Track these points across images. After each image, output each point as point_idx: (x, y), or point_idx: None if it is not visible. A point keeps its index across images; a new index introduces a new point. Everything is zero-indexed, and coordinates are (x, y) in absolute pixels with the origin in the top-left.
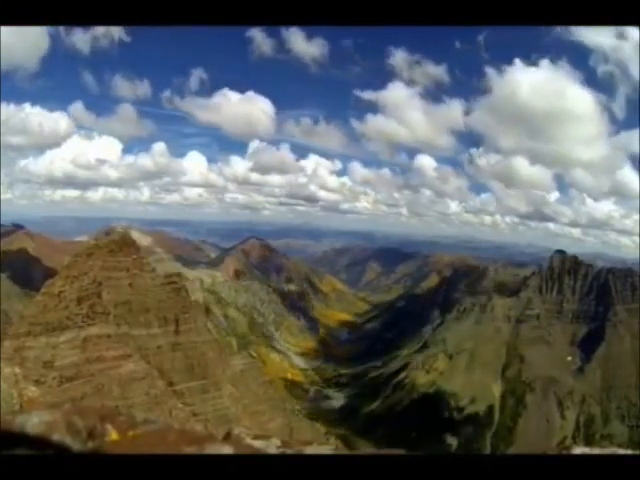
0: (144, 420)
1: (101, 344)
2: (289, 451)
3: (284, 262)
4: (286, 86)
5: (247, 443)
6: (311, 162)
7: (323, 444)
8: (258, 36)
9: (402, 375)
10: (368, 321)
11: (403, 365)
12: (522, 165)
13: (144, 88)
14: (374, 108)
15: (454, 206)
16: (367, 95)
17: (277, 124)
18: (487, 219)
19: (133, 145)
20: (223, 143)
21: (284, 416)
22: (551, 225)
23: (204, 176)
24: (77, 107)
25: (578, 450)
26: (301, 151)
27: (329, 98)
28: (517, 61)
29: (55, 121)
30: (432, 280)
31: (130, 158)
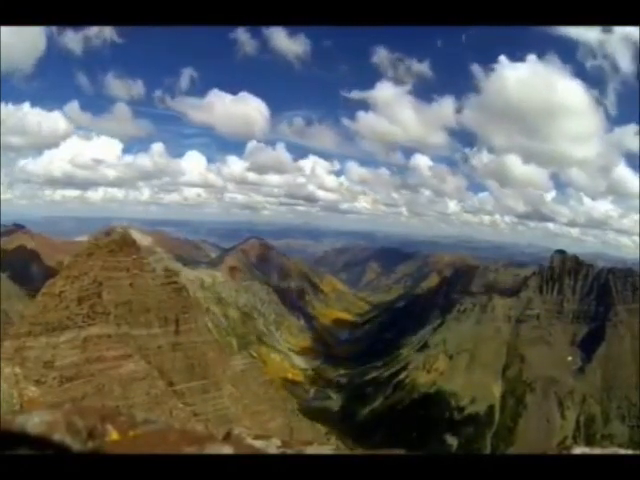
0: (144, 420)
1: (101, 344)
2: (289, 451)
3: (284, 262)
4: (276, 86)
5: (247, 443)
6: (308, 162)
7: (323, 444)
8: (244, 36)
9: (402, 375)
10: (368, 321)
11: (403, 365)
12: (516, 163)
13: (139, 88)
14: (365, 107)
15: (453, 206)
16: (358, 94)
17: (271, 124)
18: (486, 219)
19: (131, 145)
20: (220, 143)
21: (284, 416)
22: (550, 225)
23: (203, 176)
24: (74, 107)
25: (578, 450)
26: (297, 151)
27: (320, 98)
28: (506, 57)
29: (53, 121)
30: (432, 280)
31: (128, 158)
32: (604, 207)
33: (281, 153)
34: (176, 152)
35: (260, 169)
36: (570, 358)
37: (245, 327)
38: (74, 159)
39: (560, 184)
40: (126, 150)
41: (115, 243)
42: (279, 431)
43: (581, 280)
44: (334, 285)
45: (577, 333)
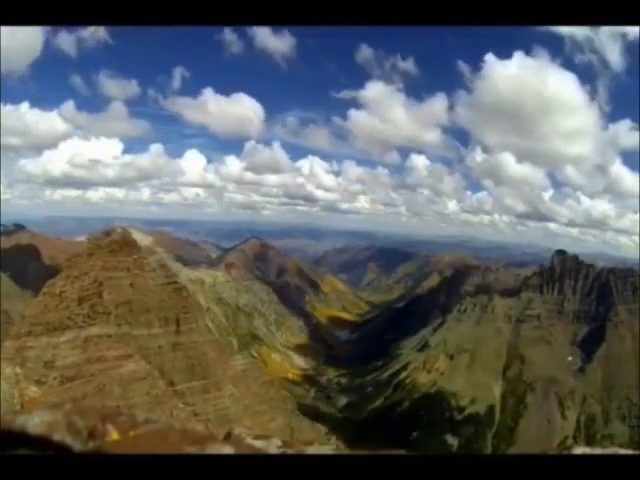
0: (145, 420)
1: (102, 344)
2: (290, 451)
3: (285, 262)
4: (268, 86)
5: (248, 443)
6: (305, 162)
7: (324, 444)
8: (232, 37)
9: (403, 375)
10: (369, 321)
11: (404, 365)
12: (510, 162)
13: (135, 88)
14: (359, 106)
15: (451, 205)
16: (351, 94)
17: (265, 124)
18: (485, 218)
19: (129, 145)
20: (217, 143)
21: (285, 416)
22: (549, 225)
23: (202, 176)
24: (71, 108)
25: (579, 450)
26: (293, 150)
27: (313, 97)
28: (498, 54)
29: (51, 122)
30: (433, 280)
31: (127, 158)
32: (602, 206)
33: (278, 153)
34: (174, 152)
35: (258, 169)
36: (570, 358)
37: (246, 327)
38: (74, 159)
39: (557, 183)
40: (124, 150)
41: (115, 243)
42: (280, 431)
43: (581, 280)
44: (334, 285)
45: (577, 333)
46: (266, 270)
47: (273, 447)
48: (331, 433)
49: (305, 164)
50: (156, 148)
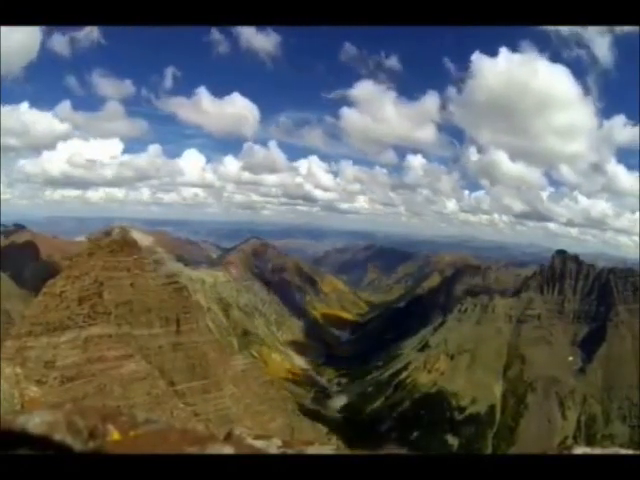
0: (145, 420)
1: (102, 344)
2: (290, 451)
3: (285, 262)
4: (260, 86)
5: (248, 443)
6: (303, 161)
7: (324, 444)
8: (220, 37)
9: (403, 375)
10: (369, 321)
11: (404, 365)
12: (504, 160)
13: (132, 88)
14: (353, 106)
15: (450, 205)
16: (344, 93)
17: (261, 124)
18: (484, 218)
19: (128, 145)
20: (215, 143)
21: (285, 416)
22: (549, 224)
23: (202, 176)
24: (69, 108)
25: (579, 450)
26: (290, 150)
27: (307, 97)
28: (487, 51)
29: (49, 122)
30: (433, 280)
31: (126, 158)
32: (600, 206)
33: (276, 153)
34: (172, 152)
35: (257, 169)
36: (571, 358)
37: (246, 327)
38: (73, 159)
39: (554, 182)
40: (122, 150)
41: (116, 243)
42: (280, 431)
43: (582, 280)
44: (335, 285)
45: (578, 333)
46: (266, 270)
47: (273, 447)
48: (331, 433)
49: (303, 164)
50: (154, 148)
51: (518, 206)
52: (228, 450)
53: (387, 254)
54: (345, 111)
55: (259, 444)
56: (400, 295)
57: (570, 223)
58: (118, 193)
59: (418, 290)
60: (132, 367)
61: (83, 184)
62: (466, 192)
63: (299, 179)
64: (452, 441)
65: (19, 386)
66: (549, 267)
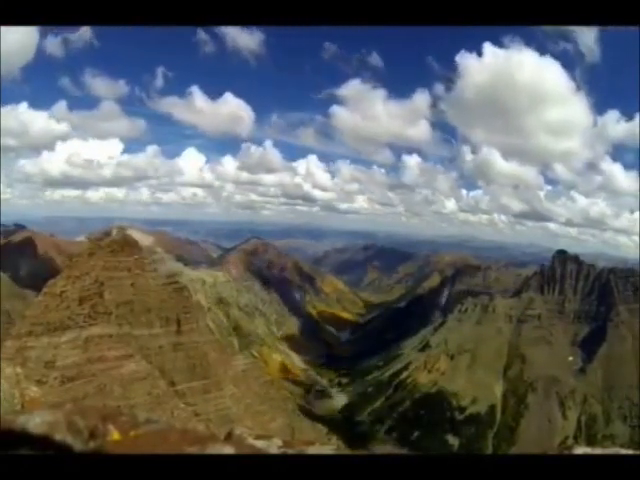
0: (146, 420)
1: (103, 344)
2: (290, 451)
3: (285, 262)
4: (253, 87)
5: (249, 443)
6: (301, 161)
7: (325, 444)
8: (210, 37)
9: (404, 375)
10: (370, 321)
11: (405, 365)
12: (497, 159)
13: (129, 89)
14: (347, 106)
15: (449, 204)
16: (337, 92)
17: (257, 124)
18: (484, 218)
19: (126, 145)
20: (213, 143)
21: (286, 416)
22: (548, 224)
23: (201, 176)
24: (67, 109)
25: (580, 450)
26: (287, 150)
27: (300, 97)
28: (478, 49)
29: (47, 122)
30: (434, 280)
31: (124, 158)
32: (599, 205)
33: (273, 153)
34: (171, 152)
35: (255, 169)
36: (571, 358)
37: (246, 327)
38: (72, 160)
39: (550, 181)
40: (121, 150)
41: (116, 243)
42: (280, 431)
43: (582, 280)
44: (335, 285)
45: (578, 333)
46: (266, 270)
47: (274, 447)
48: (332, 433)
49: (300, 164)
50: (152, 148)
51: (516, 205)
52: (228, 450)
53: (387, 254)
54: (337, 110)
55: (259, 444)
56: (400, 295)
57: (569, 223)
58: (118, 193)
59: (418, 290)
60: (132, 367)
61: (83, 184)
62: (464, 191)
63: (297, 179)
64: (452, 441)
65: (19, 386)
66: (549, 267)
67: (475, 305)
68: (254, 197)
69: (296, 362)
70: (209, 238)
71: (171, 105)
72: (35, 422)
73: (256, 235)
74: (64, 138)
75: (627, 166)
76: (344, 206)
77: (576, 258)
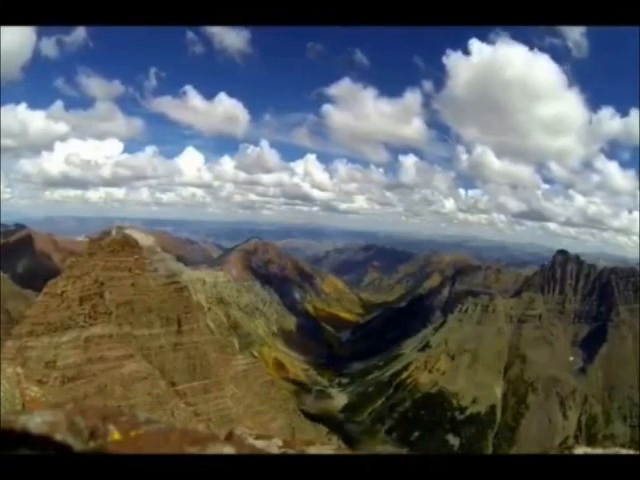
0: (146, 420)
1: (103, 344)
2: (291, 451)
3: (286, 262)
4: (246, 87)
5: (249, 443)
6: (298, 161)
7: (325, 444)
8: (212, 36)
9: (404, 375)
10: (370, 321)
11: (405, 365)
12: (491, 158)
13: (126, 89)
14: (341, 106)
15: (448, 204)
16: (329, 92)
17: (253, 124)
18: (483, 217)
19: (125, 145)
20: (212, 143)
21: (286, 416)
22: (547, 224)
23: (200, 176)
24: (66, 109)
25: (580, 450)
26: (284, 150)
27: (289, 97)
28: (467, 46)
29: (46, 123)
30: (434, 280)
31: (123, 158)
32: (597, 205)
33: (271, 153)
34: (170, 152)
35: (254, 169)
36: (572, 358)
37: (247, 327)
38: (72, 160)
39: (547, 180)
40: (119, 150)
41: (117, 243)
42: (281, 431)
43: (583, 280)
44: (335, 285)
45: (579, 333)
46: (267, 270)
47: (274, 447)
48: (332, 433)
49: (298, 163)
50: (151, 148)
51: (514, 205)
52: (229, 450)
53: (387, 254)
54: (329, 110)
55: (260, 444)
56: (401, 295)
57: (568, 222)
58: (118, 193)
59: (419, 290)
60: (133, 367)
61: (82, 184)
62: (462, 191)
63: (296, 179)
64: (453, 441)
65: (20, 386)
66: (550, 267)
67: (475, 305)
68: (253, 197)
69: (296, 362)
70: (209, 238)
71: (168, 105)
72: (36, 422)
73: (256, 235)
74: (63, 138)
75: (623, 164)
76: (344, 206)
77: (577, 258)
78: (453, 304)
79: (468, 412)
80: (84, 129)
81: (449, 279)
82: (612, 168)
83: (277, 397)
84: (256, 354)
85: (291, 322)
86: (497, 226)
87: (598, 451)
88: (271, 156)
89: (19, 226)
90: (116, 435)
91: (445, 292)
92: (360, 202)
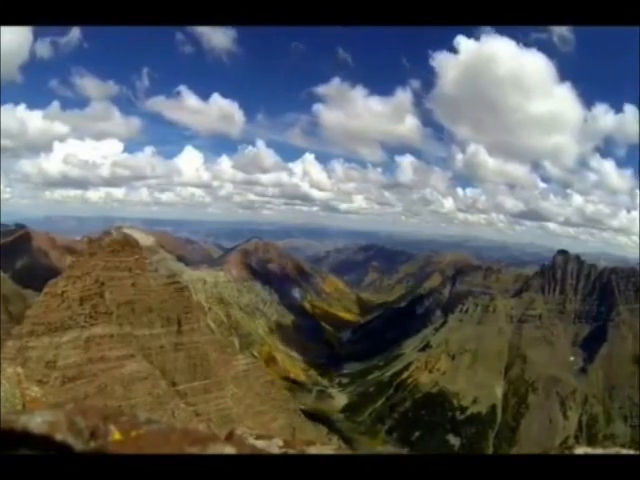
0: (147, 420)
1: (104, 344)
2: (291, 451)
3: (286, 262)
4: (241, 86)
5: (249, 443)
6: (296, 161)
7: (325, 444)
8: (205, 36)
9: (405, 375)
10: (371, 321)
11: (406, 365)
12: (486, 157)
13: (126, 89)
14: (336, 106)
15: (447, 204)
16: (322, 91)
17: (250, 124)
18: (482, 217)
19: (124, 145)
20: (211, 143)
21: (287, 416)
22: (545, 223)
23: (200, 176)
24: (65, 109)
25: (581, 450)
26: (281, 150)
27: (290, 96)
28: (447, 45)
29: (45, 123)
30: (434, 280)
31: (122, 158)
32: (595, 204)
33: (271, 153)
34: (169, 152)
35: (253, 169)
36: (572, 358)
37: (247, 327)
38: (71, 160)
39: (544, 179)
40: (118, 150)
41: (117, 243)
42: (281, 431)
43: (583, 280)
44: (336, 285)
45: (579, 333)
46: (267, 270)
47: (275, 447)
48: (333, 433)
49: (297, 164)
50: (149, 148)
51: (513, 204)
52: (229, 450)
53: (388, 254)
54: (322, 109)
55: (260, 444)
56: (401, 295)
57: (568, 222)
58: (117, 193)
59: (419, 290)
60: (133, 367)
61: (82, 184)
62: (460, 190)
63: (294, 179)
64: (453, 441)
65: (20, 386)
66: (550, 267)
67: (476, 305)
68: (252, 197)
69: (297, 362)
70: (209, 238)
71: (164, 105)
72: (36, 422)
73: (256, 235)
74: (61, 138)
75: (619, 162)
76: (344, 206)
77: (577, 258)
78: (453, 304)
79: (469, 412)
80: (82, 129)
81: (449, 279)
82: (608, 166)
83: (277, 397)
84: (256, 354)
85: (291, 322)
86: (497, 226)
87: (599, 451)
88: (268, 156)
89: (19, 226)
90: (117, 435)
91: (445, 292)
92: (359, 202)
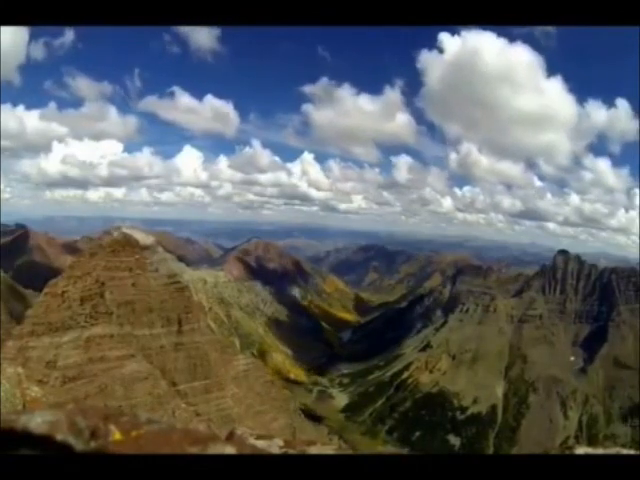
0: (147, 420)
1: (104, 344)
2: (292, 451)
3: (287, 262)
4: (237, 86)
5: (250, 443)
6: (295, 161)
7: (326, 444)
8: (199, 37)
9: (405, 375)
10: (371, 321)
11: (406, 365)
12: (480, 156)
13: (125, 89)
14: (332, 106)
15: (446, 203)
16: (315, 90)
17: (243, 125)
18: (481, 217)
19: (123, 145)
20: (208, 144)
21: (287, 416)
22: (544, 223)
23: (199, 176)
24: (64, 110)
25: (581, 450)
26: (279, 151)
27: (285, 96)
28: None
29: (45, 123)
30: (435, 280)
31: (121, 158)
32: (592, 203)
33: (271, 154)
34: (168, 152)
35: (254, 170)
36: (573, 358)
37: (247, 327)
38: (70, 160)
39: (541, 179)
40: (117, 150)
41: (117, 243)
42: (282, 431)
43: (584, 280)
44: (336, 285)
45: (579, 333)
46: (268, 270)
47: (275, 447)
48: (333, 433)
49: (295, 164)
50: (149, 148)
51: (510, 203)
52: (230, 450)
53: (388, 254)
54: (315, 109)
55: (261, 444)
56: (402, 295)
57: (567, 222)
58: (117, 193)
59: (419, 290)
60: (134, 367)
61: (81, 184)
62: (457, 190)
63: (292, 178)
64: (454, 441)
65: (21, 386)
66: (551, 267)
67: (476, 305)
68: (251, 197)
69: (297, 362)
70: (209, 238)
71: (159, 105)
72: (36, 422)
73: (256, 235)
74: (60, 139)
75: (614, 161)
76: (343, 206)
77: (577, 258)
78: (454, 304)
79: (469, 412)
80: (80, 129)
81: (450, 279)
82: (603, 164)
83: (278, 397)
84: (257, 354)
85: (292, 322)
86: (496, 226)
87: (599, 451)
88: (264, 156)
89: (19, 226)
90: (117, 435)
91: (446, 292)
92: (358, 202)
